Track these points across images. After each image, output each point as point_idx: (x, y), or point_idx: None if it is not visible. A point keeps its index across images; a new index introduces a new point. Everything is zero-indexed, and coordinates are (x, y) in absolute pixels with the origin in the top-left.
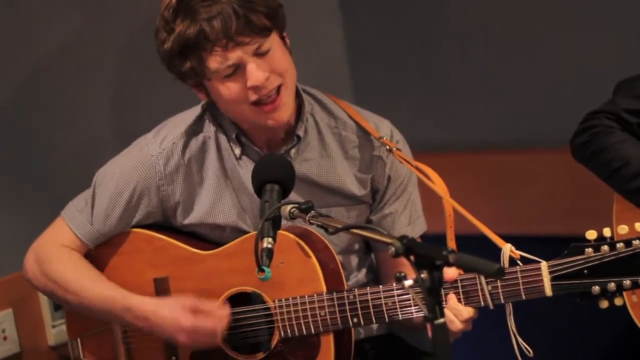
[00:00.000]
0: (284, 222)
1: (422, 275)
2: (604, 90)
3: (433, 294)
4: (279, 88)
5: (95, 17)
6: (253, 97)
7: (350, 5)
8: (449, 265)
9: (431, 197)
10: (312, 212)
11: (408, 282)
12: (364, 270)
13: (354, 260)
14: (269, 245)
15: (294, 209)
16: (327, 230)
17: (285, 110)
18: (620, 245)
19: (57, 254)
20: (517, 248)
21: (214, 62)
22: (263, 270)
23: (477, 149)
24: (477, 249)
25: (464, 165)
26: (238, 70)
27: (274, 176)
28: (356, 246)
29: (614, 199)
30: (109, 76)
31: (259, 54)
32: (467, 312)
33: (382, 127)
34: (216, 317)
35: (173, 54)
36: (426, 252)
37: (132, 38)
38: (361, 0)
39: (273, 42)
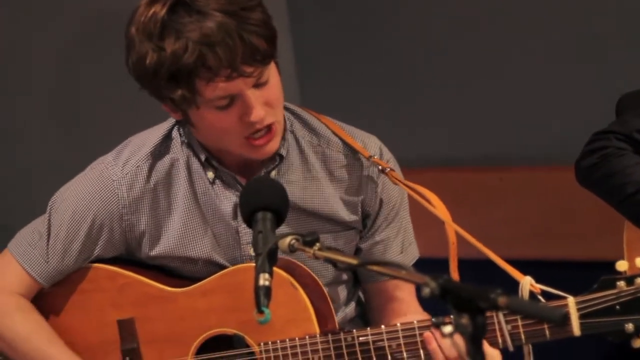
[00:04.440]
0: None
1: (463, 321)
2: (575, 109)
3: (475, 342)
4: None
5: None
6: (248, 131)
7: (300, 13)
8: (499, 310)
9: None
10: (318, 244)
11: (448, 329)
12: (352, 304)
13: (343, 293)
14: (267, 283)
15: (294, 241)
16: (336, 265)
17: (276, 142)
18: None
19: (6, 304)
20: (484, 272)
21: (211, 92)
22: (262, 312)
23: (438, 167)
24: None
25: (425, 184)
26: (233, 101)
27: (266, 203)
28: (345, 277)
29: (624, 228)
30: (48, 88)
31: (258, 85)
32: (499, 356)
33: (370, 145)
34: None
35: (159, 76)
36: (469, 294)
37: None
38: (311, 8)
39: (271, 69)
